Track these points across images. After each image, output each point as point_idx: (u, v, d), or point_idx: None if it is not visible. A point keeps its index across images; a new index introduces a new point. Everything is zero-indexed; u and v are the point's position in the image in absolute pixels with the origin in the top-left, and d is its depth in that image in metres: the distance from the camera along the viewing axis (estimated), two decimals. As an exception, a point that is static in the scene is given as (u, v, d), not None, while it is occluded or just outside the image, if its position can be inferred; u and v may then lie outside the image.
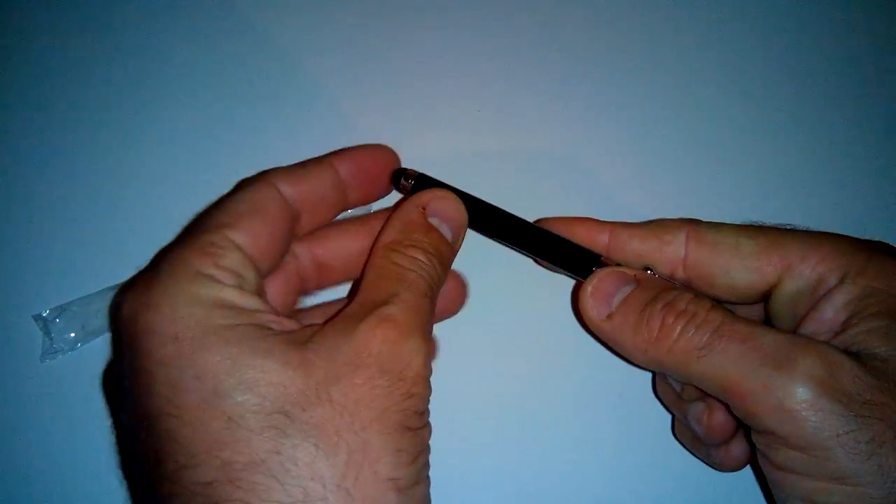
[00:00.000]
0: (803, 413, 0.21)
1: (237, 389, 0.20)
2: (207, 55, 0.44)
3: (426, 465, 0.22)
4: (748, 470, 0.33)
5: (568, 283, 0.38)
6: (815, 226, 0.29)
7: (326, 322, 0.23)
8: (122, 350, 0.22)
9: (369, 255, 0.25)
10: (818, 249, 0.25)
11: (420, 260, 0.24)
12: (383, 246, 0.25)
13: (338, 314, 0.23)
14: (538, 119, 0.42)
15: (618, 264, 0.28)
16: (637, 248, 0.27)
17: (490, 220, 0.30)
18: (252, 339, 0.21)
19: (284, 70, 0.44)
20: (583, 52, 0.45)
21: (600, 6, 0.46)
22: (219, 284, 0.22)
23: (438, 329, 0.37)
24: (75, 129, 0.42)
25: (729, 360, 0.23)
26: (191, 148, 0.41)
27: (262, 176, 0.26)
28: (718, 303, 0.25)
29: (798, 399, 0.21)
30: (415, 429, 0.22)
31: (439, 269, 0.25)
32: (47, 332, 0.36)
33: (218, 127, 0.42)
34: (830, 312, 0.24)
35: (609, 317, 0.25)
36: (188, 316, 0.21)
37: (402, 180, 0.30)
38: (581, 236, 0.29)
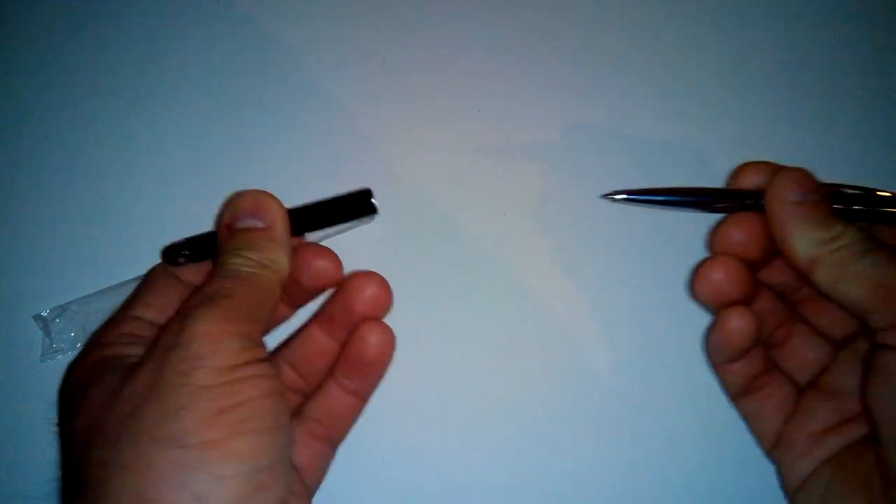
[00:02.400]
0: None
1: (78, 414, 0.25)
2: (208, 55, 0.44)
3: (251, 413, 0.24)
4: (749, 470, 0.33)
5: (567, 283, 0.38)
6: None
7: None
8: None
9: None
10: None
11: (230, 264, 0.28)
12: (222, 243, 0.30)
13: None
14: (538, 118, 0.42)
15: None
16: None
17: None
18: (88, 379, 0.26)
19: (285, 70, 0.44)
20: (582, 51, 0.45)
21: (600, 6, 0.46)
22: (100, 346, 0.28)
23: (437, 328, 0.37)
24: (75, 129, 0.42)
25: (888, 261, 0.26)
26: (191, 148, 0.42)
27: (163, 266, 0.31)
28: None
29: None
30: (207, 384, 0.23)
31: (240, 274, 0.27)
32: (47, 332, 0.36)
33: (218, 127, 0.42)
34: None
35: (800, 203, 0.28)
36: (75, 376, 0.27)
37: (179, 258, 0.30)
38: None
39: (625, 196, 0.32)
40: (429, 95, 0.43)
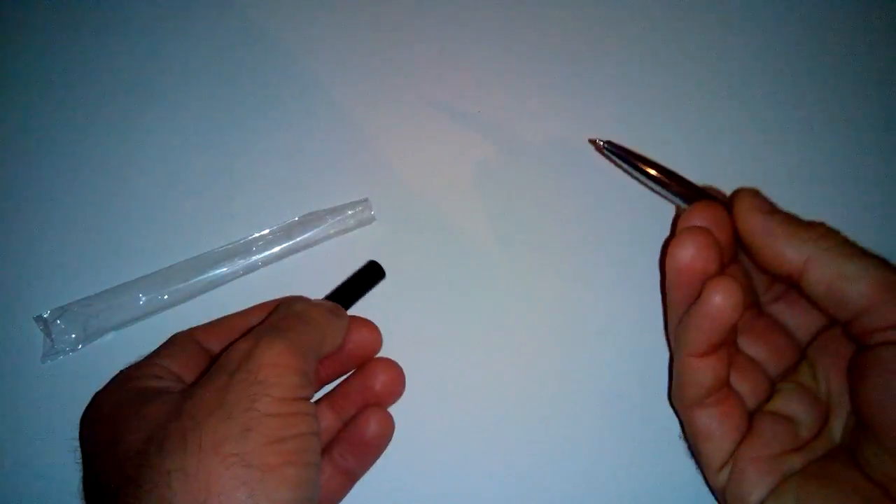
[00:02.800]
0: None
1: (124, 436, 0.26)
2: (208, 57, 0.45)
3: (303, 445, 0.25)
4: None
5: (565, 284, 0.38)
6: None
7: None
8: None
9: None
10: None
11: (289, 301, 0.31)
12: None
13: None
14: (537, 119, 0.43)
15: None
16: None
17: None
18: (141, 401, 0.27)
19: (285, 71, 0.44)
20: (583, 52, 0.45)
21: (599, 7, 0.46)
22: (138, 378, 0.29)
23: (438, 328, 0.37)
24: (76, 130, 0.42)
25: (882, 262, 0.26)
26: (192, 149, 0.42)
27: (186, 331, 0.33)
28: None
29: None
30: (269, 412, 0.25)
31: (302, 305, 0.30)
32: (48, 333, 0.36)
33: (218, 128, 0.42)
34: None
35: (772, 212, 0.29)
36: (105, 401, 0.29)
37: None
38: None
39: (608, 146, 0.34)
40: (429, 96, 0.43)
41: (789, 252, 0.27)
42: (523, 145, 0.42)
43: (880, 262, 0.26)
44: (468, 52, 0.45)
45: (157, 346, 0.32)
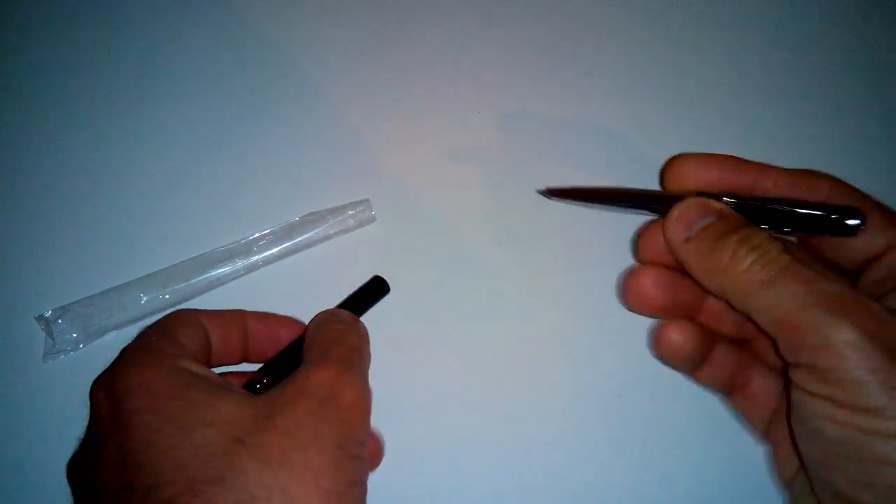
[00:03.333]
0: (846, 351, 0.23)
1: (201, 424, 0.24)
2: (209, 56, 0.45)
3: (363, 491, 0.26)
4: (746, 471, 0.34)
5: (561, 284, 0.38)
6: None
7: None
8: (100, 414, 0.27)
9: (305, 338, 0.30)
10: None
11: (340, 328, 0.30)
12: (313, 325, 0.31)
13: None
14: (537, 119, 0.43)
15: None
16: (783, 192, 0.28)
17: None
18: (209, 390, 0.26)
19: (285, 72, 0.44)
20: (583, 53, 0.45)
21: (599, 7, 0.46)
22: (177, 356, 0.27)
23: (438, 328, 0.37)
24: (77, 130, 0.42)
25: (788, 296, 0.24)
26: (193, 149, 0.42)
27: (191, 312, 0.31)
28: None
29: (844, 338, 0.23)
30: (352, 453, 0.25)
31: (356, 337, 0.30)
32: (49, 333, 0.36)
33: (220, 128, 0.42)
34: None
35: (687, 240, 0.27)
36: (156, 377, 0.26)
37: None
38: (719, 178, 0.29)
39: (548, 193, 0.34)
40: (430, 97, 0.43)
41: (707, 284, 0.27)
42: (523, 146, 0.42)
43: (792, 281, 0.25)
44: (469, 53, 0.45)
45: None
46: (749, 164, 0.29)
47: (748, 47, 0.45)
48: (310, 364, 0.27)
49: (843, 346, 0.23)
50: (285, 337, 0.33)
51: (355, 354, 0.29)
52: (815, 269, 0.25)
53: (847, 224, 0.26)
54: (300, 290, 0.38)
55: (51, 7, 0.46)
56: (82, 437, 0.29)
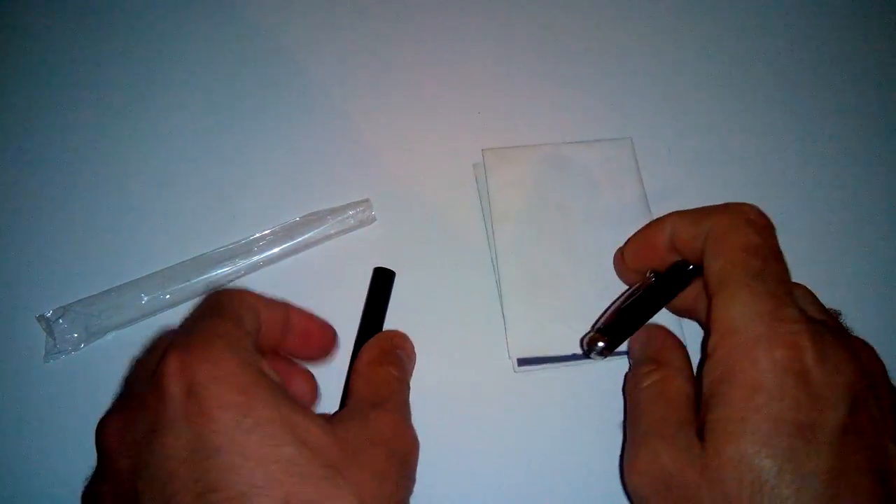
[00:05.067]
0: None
1: (293, 441, 0.24)
2: (210, 57, 0.45)
3: None
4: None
5: (567, 283, 0.38)
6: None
7: (336, 413, 0.30)
8: (168, 392, 0.24)
9: (353, 368, 0.32)
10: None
11: (395, 373, 0.31)
12: (366, 363, 0.32)
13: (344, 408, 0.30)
14: (537, 119, 0.43)
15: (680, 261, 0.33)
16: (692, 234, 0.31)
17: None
18: (288, 401, 0.25)
19: (286, 73, 0.44)
20: (582, 51, 0.45)
21: (599, 7, 0.46)
22: (250, 351, 0.26)
23: (438, 327, 0.37)
24: (78, 130, 0.42)
25: (630, 421, 0.32)
26: (194, 149, 0.42)
27: (251, 299, 0.30)
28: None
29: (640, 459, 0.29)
30: (409, 494, 0.28)
31: (402, 377, 0.32)
32: (50, 333, 0.36)
33: (221, 128, 0.42)
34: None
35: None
36: (236, 371, 0.24)
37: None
38: (649, 243, 0.34)
39: (520, 363, 0.36)
40: (430, 97, 0.43)
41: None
42: (523, 146, 0.42)
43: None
44: (469, 53, 0.45)
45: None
46: (683, 216, 0.32)
47: (747, 46, 0.45)
48: (378, 409, 0.29)
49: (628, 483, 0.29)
50: (317, 339, 0.32)
51: (406, 399, 0.31)
52: (656, 402, 0.30)
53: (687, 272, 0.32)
54: (301, 290, 0.38)
55: (50, 7, 0.46)
56: (122, 397, 0.28)
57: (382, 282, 0.37)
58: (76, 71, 0.44)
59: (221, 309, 0.27)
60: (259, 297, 0.29)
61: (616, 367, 0.36)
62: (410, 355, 0.34)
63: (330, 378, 0.35)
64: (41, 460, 0.35)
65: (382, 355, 0.32)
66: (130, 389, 0.29)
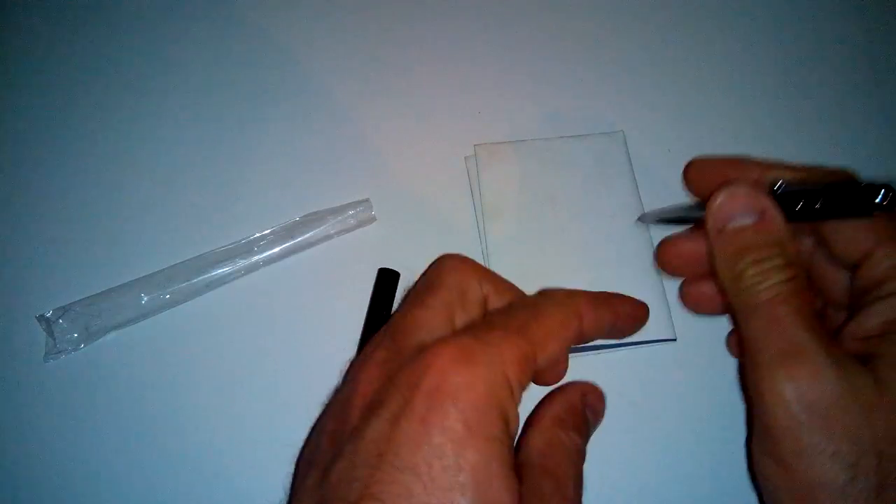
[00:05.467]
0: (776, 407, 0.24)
1: (473, 499, 0.22)
2: (211, 57, 0.45)
3: None
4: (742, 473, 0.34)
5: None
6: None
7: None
8: (419, 386, 0.23)
9: (536, 420, 0.27)
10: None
11: (578, 443, 0.27)
12: (552, 419, 0.27)
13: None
14: (537, 119, 0.43)
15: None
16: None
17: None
18: (504, 460, 0.23)
19: (288, 72, 0.44)
20: (582, 51, 0.45)
21: (599, 7, 0.46)
22: (511, 402, 0.24)
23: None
24: (78, 130, 0.42)
25: (760, 330, 0.25)
26: (194, 149, 0.42)
27: (572, 297, 0.27)
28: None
29: (778, 392, 0.24)
30: None
31: (583, 448, 0.27)
32: (50, 333, 0.36)
33: (221, 129, 0.42)
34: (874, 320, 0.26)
35: (720, 232, 0.27)
36: (484, 414, 0.23)
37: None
38: (747, 171, 0.29)
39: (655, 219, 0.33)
40: (430, 97, 0.43)
41: (719, 275, 0.28)
42: (524, 146, 0.42)
43: (759, 324, 0.26)
44: (469, 54, 0.45)
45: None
46: (769, 163, 0.29)
47: (739, 40, 0.46)
48: (554, 493, 0.25)
49: (772, 396, 0.24)
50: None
51: (582, 474, 0.27)
52: (802, 302, 0.25)
53: (880, 201, 0.25)
54: (301, 290, 0.38)
55: (51, 7, 0.46)
56: (395, 333, 0.26)
57: (387, 283, 0.37)
58: (77, 71, 0.44)
59: (529, 332, 0.25)
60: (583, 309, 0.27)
61: (606, 359, 0.36)
62: (599, 415, 0.29)
63: (330, 379, 0.35)
64: (41, 459, 0.35)
65: (571, 415, 0.28)
66: (403, 339, 0.26)
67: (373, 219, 0.39)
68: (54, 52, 0.45)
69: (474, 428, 0.22)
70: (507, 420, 0.23)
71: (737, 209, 0.27)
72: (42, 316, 0.37)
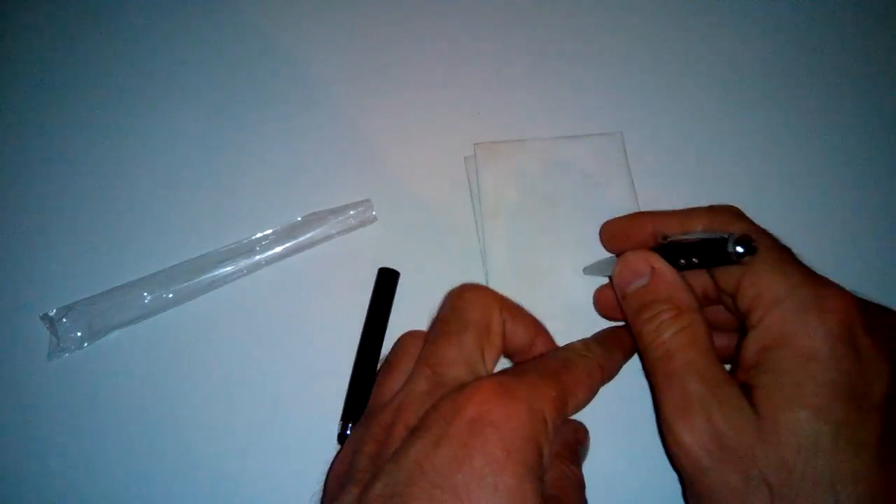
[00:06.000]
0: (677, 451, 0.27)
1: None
2: (212, 57, 0.45)
3: None
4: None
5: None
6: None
7: None
8: (458, 416, 0.25)
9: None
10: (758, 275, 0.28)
11: (579, 475, 0.29)
12: (555, 455, 0.28)
13: None
14: (538, 120, 0.43)
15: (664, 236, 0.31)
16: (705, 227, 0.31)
17: None
18: (534, 488, 0.25)
19: (290, 72, 0.44)
20: (582, 51, 0.45)
21: (599, 7, 0.47)
22: (547, 435, 0.26)
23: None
24: (81, 130, 0.43)
25: (659, 386, 0.28)
26: (196, 149, 0.42)
27: (590, 350, 0.30)
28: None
29: (679, 444, 0.27)
30: None
31: (583, 478, 0.29)
32: (54, 332, 0.37)
33: (223, 129, 0.43)
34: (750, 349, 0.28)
35: (624, 297, 0.31)
36: (522, 446, 0.25)
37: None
38: (642, 228, 0.33)
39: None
40: (430, 97, 0.43)
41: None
42: (524, 146, 0.42)
43: (660, 378, 0.28)
44: (469, 53, 0.45)
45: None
46: (659, 216, 0.32)
47: (738, 42, 0.46)
48: None
49: (676, 447, 0.27)
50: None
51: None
52: (694, 352, 0.27)
53: (735, 251, 0.27)
54: (302, 290, 0.38)
55: (51, 7, 0.47)
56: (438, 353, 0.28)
57: (387, 282, 0.37)
58: (78, 71, 0.45)
59: (561, 379, 0.27)
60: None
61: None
62: (587, 449, 0.32)
63: (331, 378, 0.35)
64: (44, 458, 0.35)
65: (568, 451, 0.29)
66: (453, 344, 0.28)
67: (374, 219, 0.40)
68: (55, 52, 0.45)
69: (513, 455, 0.24)
70: (541, 453, 0.25)
71: (631, 274, 0.30)
72: (46, 315, 0.37)
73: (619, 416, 0.35)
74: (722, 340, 0.32)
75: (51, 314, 0.37)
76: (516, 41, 0.46)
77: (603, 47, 0.45)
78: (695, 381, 0.27)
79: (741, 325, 0.29)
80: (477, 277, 0.38)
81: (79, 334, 0.37)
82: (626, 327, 0.31)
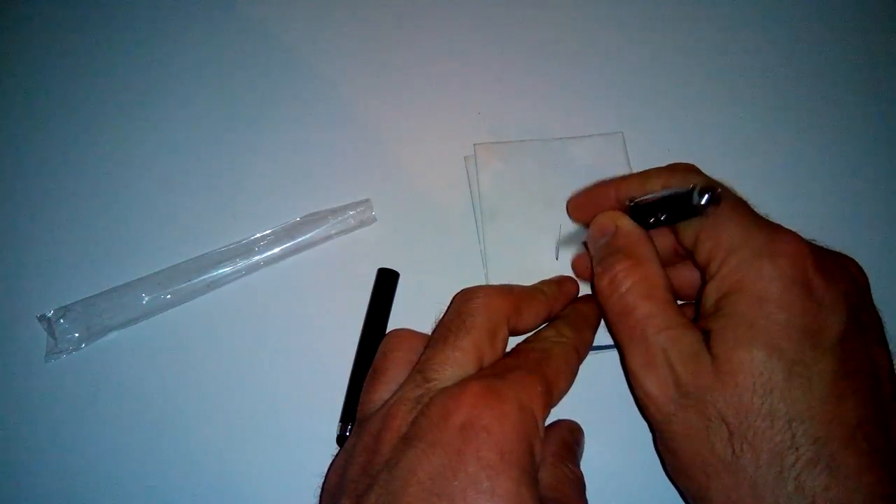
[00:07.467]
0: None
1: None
2: (211, 57, 0.45)
3: None
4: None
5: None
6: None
7: None
8: (448, 422, 0.24)
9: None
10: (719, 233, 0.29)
11: (578, 474, 0.29)
12: (553, 456, 0.29)
13: None
14: (538, 120, 0.43)
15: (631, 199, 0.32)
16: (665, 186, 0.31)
17: None
18: (532, 493, 0.25)
19: (289, 72, 0.44)
20: (582, 52, 0.45)
21: (599, 7, 0.47)
22: (537, 435, 0.26)
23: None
24: (79, 130, 0.43)
25: (623, 341, 0.29)
26: (195, 149, 0.42)
27: (562, 333, 0.30)
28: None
29: (646, 393, 0.28)
30: None
31: (582, 477, 0.29)
32: (51, 333, 0.36)
33: (222, 129, 0.43)
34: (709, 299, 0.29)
35: (593, 256, 0.32)
36: (515, 447, 0.25)
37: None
38: (607, 195, 0.33)
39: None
40: (430, 98, 0.43)
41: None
42: (524, 146, 0.42)
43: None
44: (469, 54, 0.45)
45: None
46: (623, 180, 0.33)
47: (739, 42, 0.46)
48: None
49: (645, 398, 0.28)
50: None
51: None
52: (652, 303, 0.28)
53: (699, 203, 0.28)
54: (301, 290, 0.38)
55: (52, 7, 0.47)
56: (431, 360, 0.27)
57: (386, 282, 0.37)
58: (78, 71, 0.44)
59: (543, 372, 0.27)
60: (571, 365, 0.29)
61: (604, 358, 0.36)
62: (582, 448, 0.32)
63: (330, 379, 0.35)
64: (42, 459, 0.35)
65: (566, 451, 0.30)
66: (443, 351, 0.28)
67: (373, 219, 0.40)
68: (54, 52, 0.45)
69: (507, 458, 0.24)
70: (534, 452, 0.25)
71: (598, 233, 0.31)
72: (43, 316, 0.37)
73: (619, 416, 0.34)
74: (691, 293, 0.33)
75: (48, 315, 0.37)
76: (516, 41, 0.46)
77: (603, 47, 0.45)
78: (654, 333, 0.28)
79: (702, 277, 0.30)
80: (477, 277, 0.38)
81: (76, 335, 0.37)
82: (589, 296, 0.32)
